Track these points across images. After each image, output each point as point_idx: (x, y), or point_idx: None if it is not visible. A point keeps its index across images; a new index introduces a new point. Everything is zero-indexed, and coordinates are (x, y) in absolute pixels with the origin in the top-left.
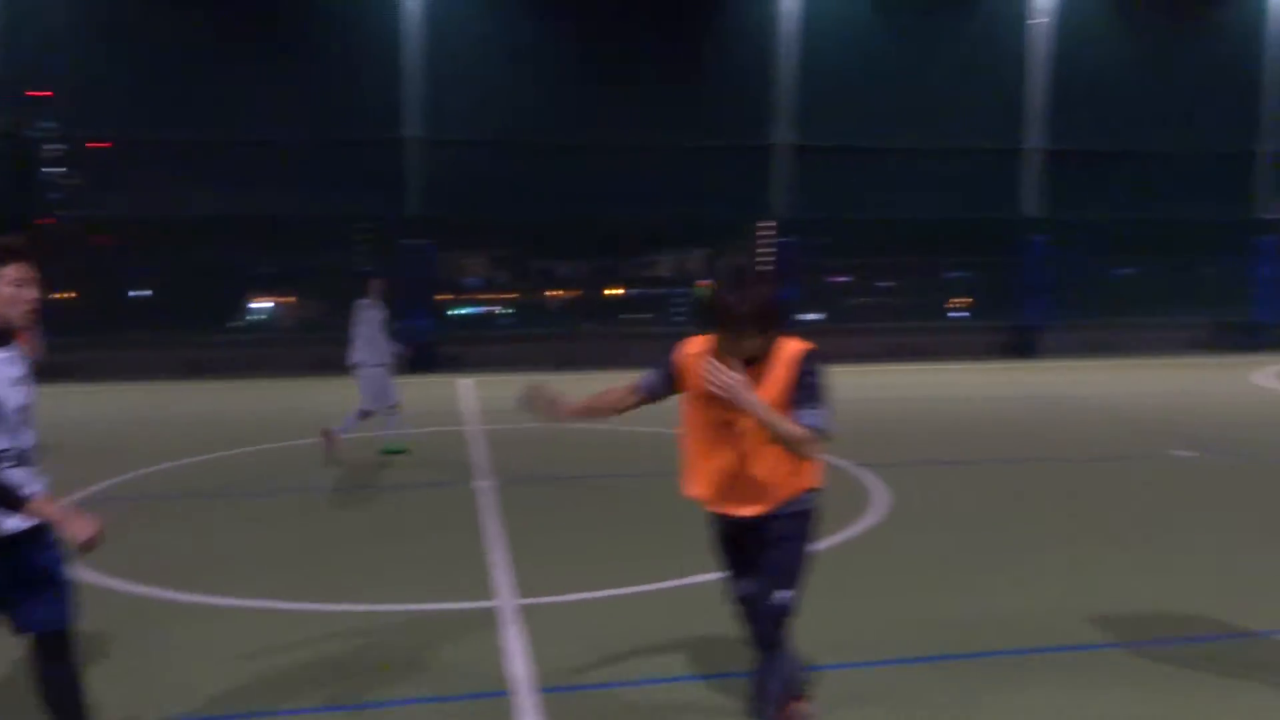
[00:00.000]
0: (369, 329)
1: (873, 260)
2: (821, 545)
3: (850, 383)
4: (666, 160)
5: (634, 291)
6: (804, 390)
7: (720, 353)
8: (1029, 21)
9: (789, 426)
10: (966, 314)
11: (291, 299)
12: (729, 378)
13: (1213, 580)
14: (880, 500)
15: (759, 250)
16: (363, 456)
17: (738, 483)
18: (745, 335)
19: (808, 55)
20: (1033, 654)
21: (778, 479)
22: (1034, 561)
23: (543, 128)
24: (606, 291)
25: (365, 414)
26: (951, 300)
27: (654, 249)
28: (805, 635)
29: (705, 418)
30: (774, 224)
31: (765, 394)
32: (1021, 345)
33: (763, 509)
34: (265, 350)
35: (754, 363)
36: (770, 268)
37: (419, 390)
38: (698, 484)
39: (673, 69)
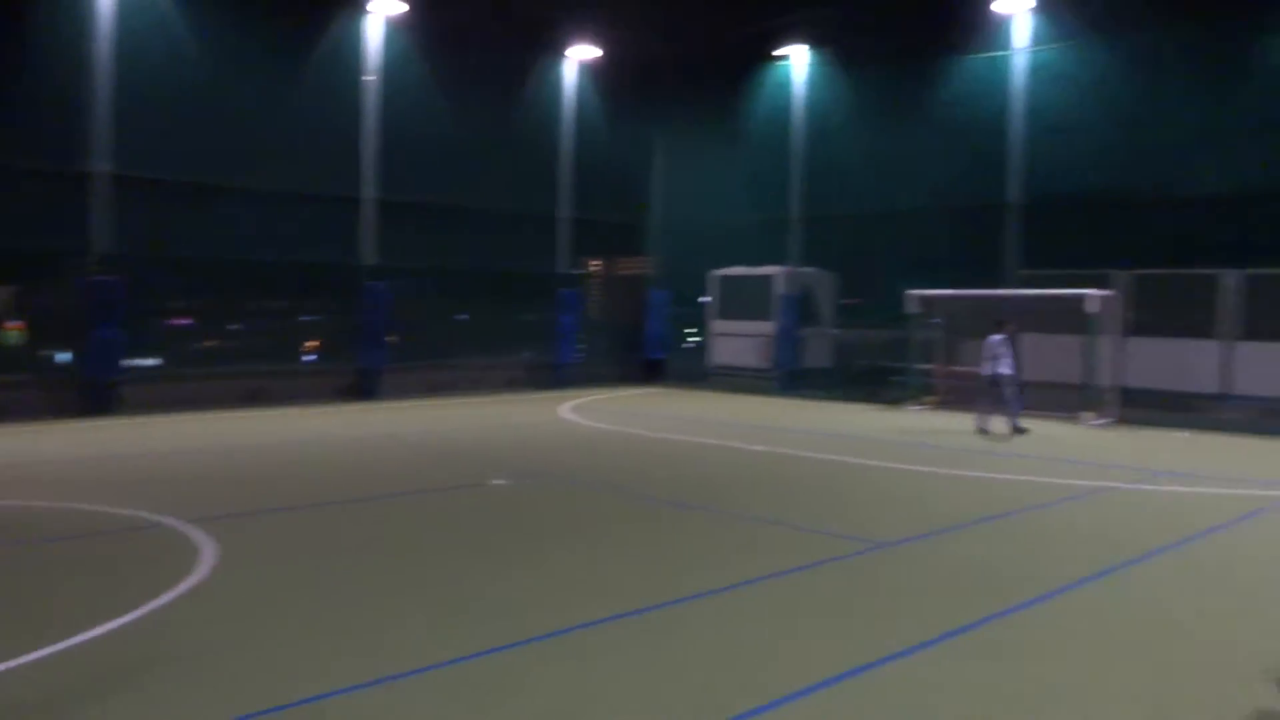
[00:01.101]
0: None
1: (219, 302)
2: (132, 615)
3: (189, 431)
4: None
5: None
6: None
7: None
8: (363, 78)
9: None
10: (315, 357)
11: None
12: None
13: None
14: (207, 555)
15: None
16: None
17: None
18: None
19: (126, 83)
20: (393, 680)
21: None
22: (367, 592)
23: None
24: None
25: None
26: (305, 344)
27: None
28: (135, 707)
29: None
30: (96, 260)
31: None
32: (365, 388)
33: None
34: None
35: None
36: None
37: None
38: None
39: None
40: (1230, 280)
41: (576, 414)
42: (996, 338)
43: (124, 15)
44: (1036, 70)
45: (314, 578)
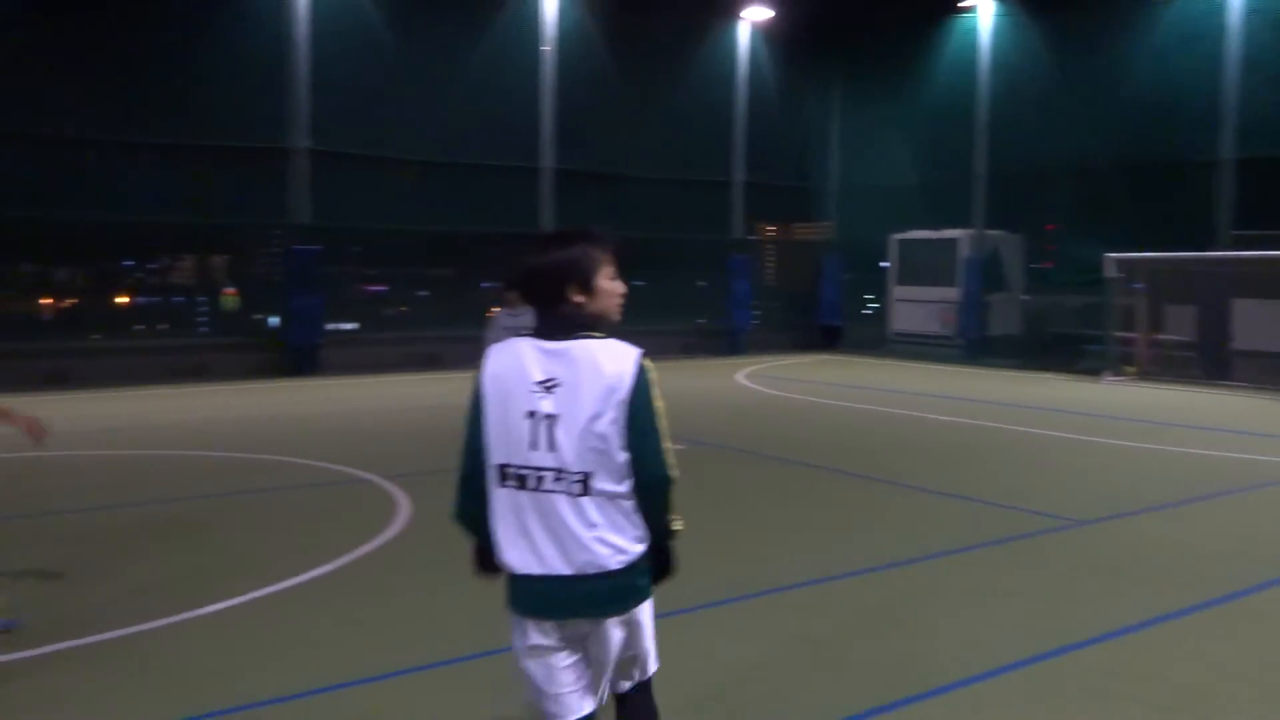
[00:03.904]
0: None
1: (406, 270)
2: (347, 557)
3: (383, 393)
4: (174, 159)
5: (144, 299)
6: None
7: None
8: (541, 48)
9: None
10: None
11: None
12: None
13: None
14: (404, 510)
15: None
16: None
17: None
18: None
19: (321, 61)
20: None
21: None
22: None
23: (18, 114)
24: (117, 299)
25: None
26: (490, 310)
27: (167, 254)
28: (331, 654)
29: None
30: (295, 230)
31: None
32: None
33: None
34: None
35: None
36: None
37: None
38: None
39: (174, 60)
40: None
41: (752, 380)
42: None
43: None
44: (1252, 14)
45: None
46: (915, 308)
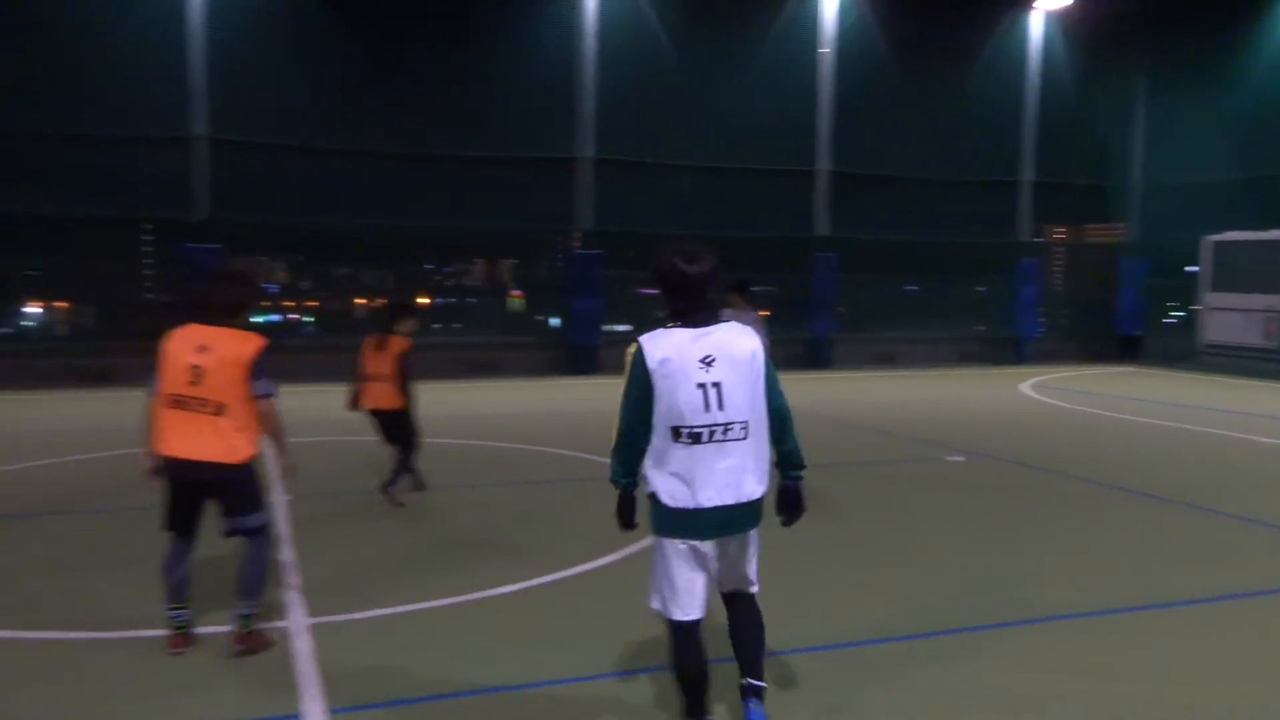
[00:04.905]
0: None
1: None
2: (623, 551)
3: None
4: (469, 170)
5: (440, 300)
6: None
7: None
8: (819, 50)
9: None
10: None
11: (64, 305)
12: None
13: (947, 574)
14: None
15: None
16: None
17: None
18: None
19: (607, 73)
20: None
21: None
22: (835, 558)
23: (337, 132)
24: (418, 301)
25: None
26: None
27: (459, 259)
28: (589, 645)
29: None
30: (579, 236)
31: None
32: (814, 357)
33: None
34: (31, 360)
35: None
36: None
37: None
38: None
39: (473, 79)
40: None
41: (1038, 392)
42: None
43: (604, 16)
44: None
45: (778, 539)
46: (1233, 317)
